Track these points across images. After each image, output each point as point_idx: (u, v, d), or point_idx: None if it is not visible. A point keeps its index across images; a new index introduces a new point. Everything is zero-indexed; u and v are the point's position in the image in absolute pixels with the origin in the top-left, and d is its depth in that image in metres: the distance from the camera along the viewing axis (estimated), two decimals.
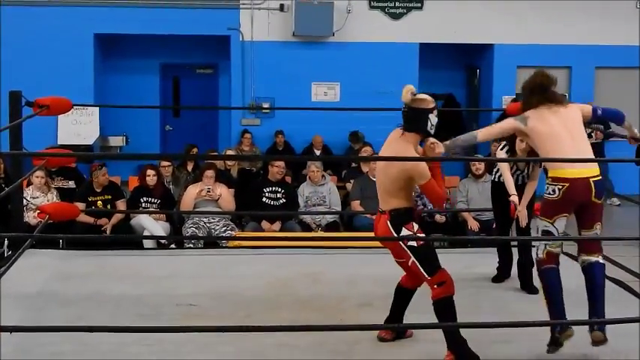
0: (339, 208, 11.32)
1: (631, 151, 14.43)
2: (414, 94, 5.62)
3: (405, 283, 5.96)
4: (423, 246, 5.59)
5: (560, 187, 5.59)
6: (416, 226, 5.61)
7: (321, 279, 7.59)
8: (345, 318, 6.44)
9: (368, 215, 10.88)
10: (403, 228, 5.58)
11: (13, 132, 8.14)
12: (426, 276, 5.55)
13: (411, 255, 5.57)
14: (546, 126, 5.72)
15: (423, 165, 5.49)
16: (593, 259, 5.75)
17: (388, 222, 5.63)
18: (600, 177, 5.65)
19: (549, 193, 5.65)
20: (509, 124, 5.95)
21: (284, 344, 5.76)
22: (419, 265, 5.55)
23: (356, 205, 11.16)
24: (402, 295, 5.95)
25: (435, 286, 5.52)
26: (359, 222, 11.07)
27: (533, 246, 6.12)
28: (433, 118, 5.61)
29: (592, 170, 5.64)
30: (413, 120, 5.61)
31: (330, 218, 11.07)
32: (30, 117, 7.67)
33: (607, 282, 7.29)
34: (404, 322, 5.94)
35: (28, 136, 8.47)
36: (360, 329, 6.05)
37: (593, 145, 17.76)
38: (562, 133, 5.70)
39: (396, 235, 5.58)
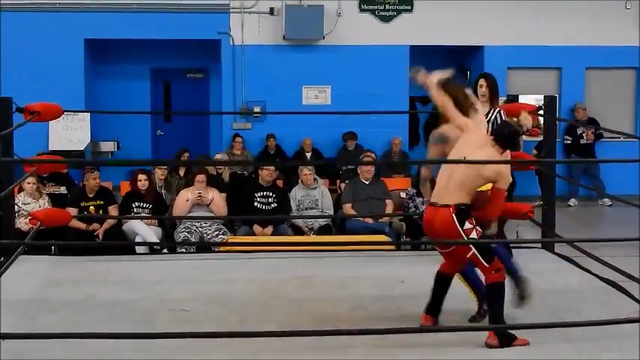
0: (331, 212, 11.30)
1: (622, 152, 14.50)
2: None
3: (445, 270, 6.29)
4: (482, 238, 6.03)
5: None
6: (474, 221, 5.99)
7: (314, 282, 7.58)
8: (339, 322, 6.43)
9: (360, 219, 10.88)
10: (466, 222, 5.95)
11: (3, 138, 8.12)
12: (485, 264, 5.95)
13: (472, 247, 5.95)
14: None
15: (509, 176, 6.04)
16: None
17: (454, 215, 5.95)
18: None
19: None
20: None
21: (277, 348, 5.75)
22: (479, 256, 5.94)
23: (348, 209, 11.15)
24: (443, 282, 6.27)
25: (493, 272, 5.94)
26: (351, 225, 11.07)
27: None
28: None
29: None
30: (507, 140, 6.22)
31: (322, 222, 11.06)
32: (21, 125, 7.65)
33: (599, 282, 7.37)
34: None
35: (19, 142, 8.46)
36: (354, 334, 6.04)
37: (584, 145, 17.87)
38: None
39: (460, 227, 5.93)
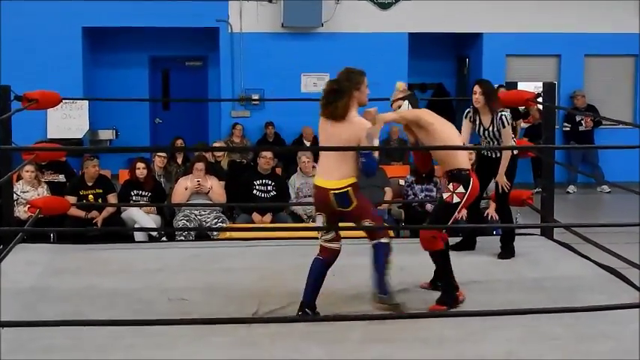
0: None
1: (621, 139, 14.49)
2: None
3: None
4: None
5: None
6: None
7: None
8: (336, 309, 6.43)
9: None
10: None
11: (2, 126, 8.11)
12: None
13: None
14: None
15: None
16: (375, 241, 6.25)
17: None
18: (340, 190, 6.06)
19: None
20: None
21: (276, 335, 5.77)
22: None
23: None
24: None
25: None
26: None
27: None
28: None
29: (329, 183, 6.09)
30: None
31: None
32: (19, 111, 7.64)
33: (599, 269, 7.37)
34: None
35: (18, 131, 8.45)
36: (350, 320, 6.04)
37: (583, 132, 17.83)
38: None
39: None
